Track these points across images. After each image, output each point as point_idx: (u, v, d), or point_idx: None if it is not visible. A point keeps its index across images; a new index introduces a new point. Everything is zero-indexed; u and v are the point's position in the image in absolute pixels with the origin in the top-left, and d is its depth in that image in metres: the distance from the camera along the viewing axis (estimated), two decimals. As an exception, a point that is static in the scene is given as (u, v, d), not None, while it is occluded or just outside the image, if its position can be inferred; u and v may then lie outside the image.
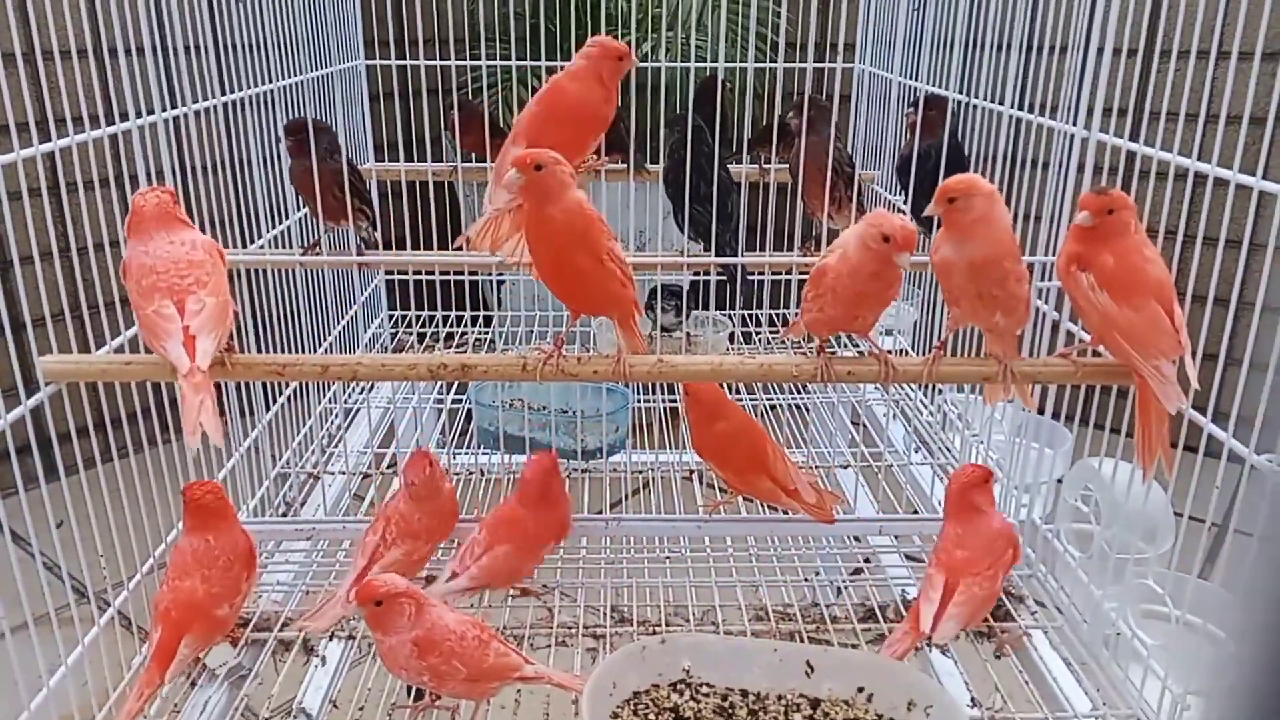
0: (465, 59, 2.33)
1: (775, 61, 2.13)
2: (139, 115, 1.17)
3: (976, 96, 1.50)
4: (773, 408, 1.90)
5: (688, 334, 1.89)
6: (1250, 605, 0.37)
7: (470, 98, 2.50)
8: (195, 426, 0.90)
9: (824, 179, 1.44)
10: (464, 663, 0.98)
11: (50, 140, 1.02)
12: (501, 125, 2.21)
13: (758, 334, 2.12)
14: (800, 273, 2.06)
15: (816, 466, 1.68)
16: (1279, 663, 0.34)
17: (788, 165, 1.66)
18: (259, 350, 1.45)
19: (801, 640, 1.20)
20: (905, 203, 1.51)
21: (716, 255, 1.49)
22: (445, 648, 0.97)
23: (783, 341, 2.08)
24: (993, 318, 0.99)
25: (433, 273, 1.86)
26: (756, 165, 1.93)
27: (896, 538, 1.46)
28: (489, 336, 2.10)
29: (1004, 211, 0.96)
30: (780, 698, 1.05)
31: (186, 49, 1.29)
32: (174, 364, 0.93)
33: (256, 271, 1.48)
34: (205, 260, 0.99)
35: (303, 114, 1.68)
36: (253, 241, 1.51)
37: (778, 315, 2.16)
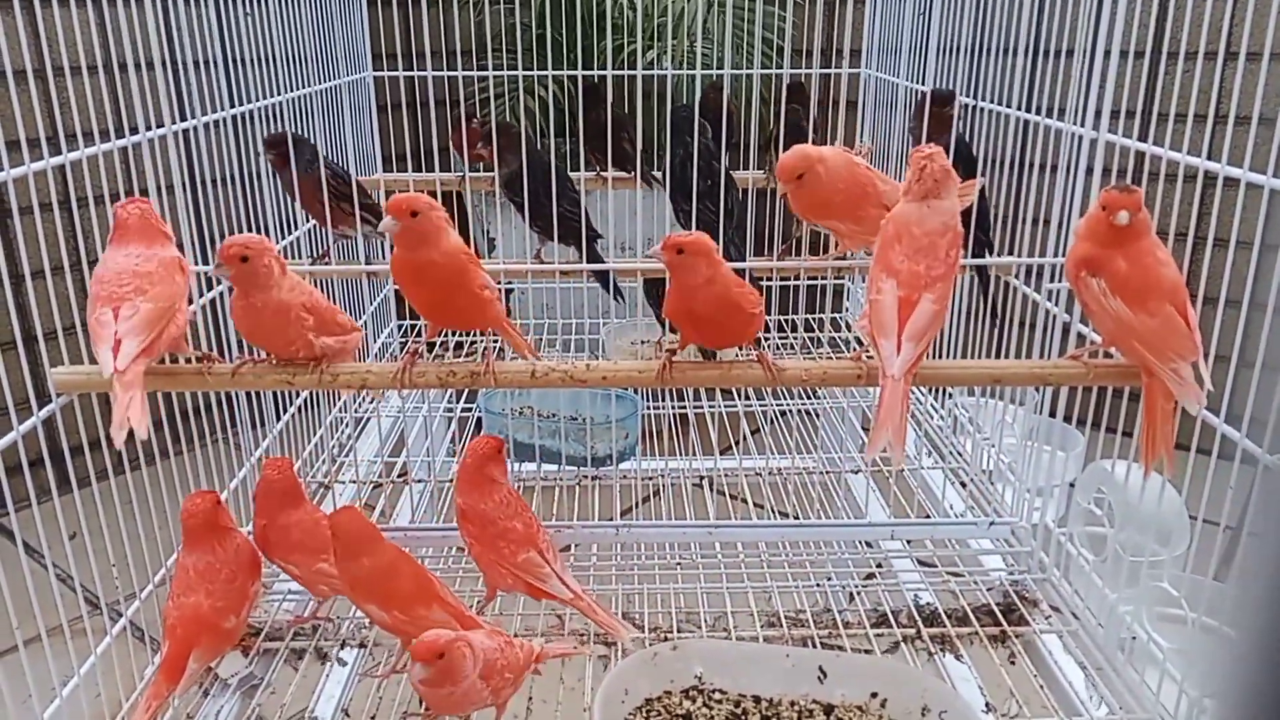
0: (473, 69, 2.34)
1: (781, 68, 2.13)
2: (149, 129, 1.18)
3: (983, 99, 1.50)
4: (783, 413, 1.89)
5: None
6: (1246, 601, 0.36)
7: (478, 108, 2.51)
8: (123, 421, 0.90)
9: None
10: (511, 670, 1.01)
11: (61, 154, 1.03)
12: (513, 130, 2.21)
13: (766, 339, 2.11)
14: (810, 277, 2.06)
15: (828, 471, 1.68)
16: (1277, 661, 0.34)
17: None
18: (268, 361, 1.46)
19: (814, 646, 1.19)
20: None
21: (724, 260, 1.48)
22: (499, 666, 0.99)
23: (791, 347, 2.08)
24: None
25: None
26: (764, 171, 1.93)
27: (909, 542, 1.45)
28: (499, 345, 2.10)
29: None
30: (793, 704, 1.05)
31: (196, 64, 1.30)
32: (101, 368, 0.93)
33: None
34: (154, 271, 0.99)
35: (307, 126, 1.69)
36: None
37: (786, 321, 2.16)
